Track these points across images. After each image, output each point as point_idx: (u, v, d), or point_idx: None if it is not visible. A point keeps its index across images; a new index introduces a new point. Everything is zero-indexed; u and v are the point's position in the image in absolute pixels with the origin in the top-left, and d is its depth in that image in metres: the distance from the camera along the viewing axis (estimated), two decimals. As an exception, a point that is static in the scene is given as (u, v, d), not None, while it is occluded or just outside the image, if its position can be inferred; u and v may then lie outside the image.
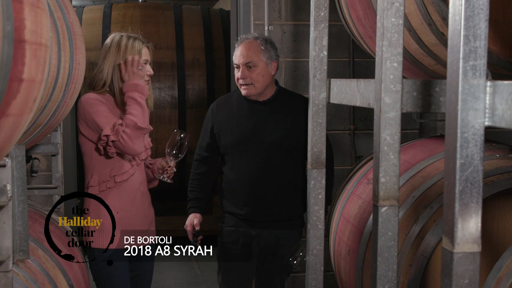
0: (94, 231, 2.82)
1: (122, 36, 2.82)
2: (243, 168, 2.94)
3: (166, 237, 3.12)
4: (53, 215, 3.00)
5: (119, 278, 2.83)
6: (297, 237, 3.10)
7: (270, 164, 2.92)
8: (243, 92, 2.95)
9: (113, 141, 2.66)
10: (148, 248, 2.97)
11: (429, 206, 2.36)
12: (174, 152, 2.81)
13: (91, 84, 2.82)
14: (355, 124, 4.19)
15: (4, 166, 1.88)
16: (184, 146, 2.82)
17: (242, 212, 2.98)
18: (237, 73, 2.95)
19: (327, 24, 2.43)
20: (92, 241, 2.82)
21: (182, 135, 2.80)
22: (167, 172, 2.84)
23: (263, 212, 2.97)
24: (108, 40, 2.83)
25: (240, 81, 2.94)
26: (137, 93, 2.71)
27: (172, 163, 2.82)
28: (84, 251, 3.07)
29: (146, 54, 2.83)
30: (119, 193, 2.83)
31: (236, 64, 2.97)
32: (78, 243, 3.06)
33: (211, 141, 3.03)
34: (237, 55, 2.96)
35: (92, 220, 2.83)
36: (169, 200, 3.87)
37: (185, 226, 2.98)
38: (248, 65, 2.91)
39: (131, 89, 2.71)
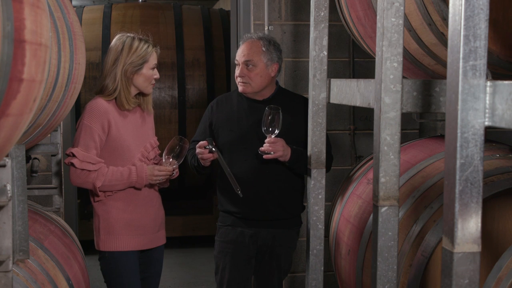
0: (104, 233, 2.82)
1: (133, 38, 2.80)
2: (241, 166, 2.93)
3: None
4: (54, 215, 3.01)
5: (129, 280, 2.83)
6: (295, 236, 3.10)
7: (268, 163, 2.92)
8: (240, 88, 2.97)
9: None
10: (158, 250, 2.97)
11: (429, 206, 2.37)
12: (171, 157, 2.81)
13: (101, 89, 2.81)
14: (355, 124, 4.19)
15: (4, 166, 1.87)
16: (183, 151, 2.81)
17: (239, 210, 2.98)
18: (237, 71, 2.97)
19: (327, 24, 2.44)
20: (102, 243, 2.82)
21: (180, 142, 2.80)
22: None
23: (260, 210, 2.97)
24: (117, 42, 2.80)
25: (238, 79, 2.96)
26: (142, 179, 2.78)
27: (170, 168, 2.81)
28: (92, 253, 3.07)
29: (155, 58, 2.84)
30: (130, 195, 2.83)
31: (236, 61, 2.99)
32: (78, 243, 3.06)
33: (209, 137, 3.03)
34: (239, 53, 2.98)
35: (100, 222, 2.83)
36: (169, 200, 3.87)
37: (197, 152, 2.86)
38: (247, 64, 2.93)
39: (146, 177, 2.78)
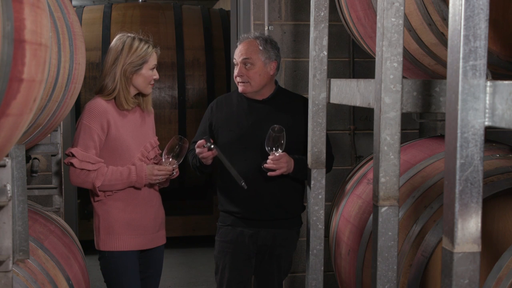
0: (104, 233, 2.82)
1: (134, 38, 2.80)
2: (241, 166, 2.94)
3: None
4: (54, 215, 3.00)
5: (129, 279, 2.83)
6: (295, 236, 3.10)
7: None
8: (240, 88, 2.98)
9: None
10: (158, 250, 2.97)
11: (429, 206, 2.37)
12: (171, 157, 2.81)
13: (101, 88, 2.81)
14: (355, 124, 4.18)
15: (4, 166, 1.87)
16: (183, 151, 2.82)
17: (239, 210, 2.98)
18: (235, 71, 2.98)
19: (327, 24, 2.43)
20: (102, 243, 2.82)
21: (180, 142, 2.80)
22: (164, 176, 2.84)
23: (260, 210, 2.97)
24: (118, 42, 2.80)
25: (238, 79, 2.97)
26: (141, 179, 2.77)
27: (170, 167, 2.81)
28: (92, 253, 3.06)
29: (155, 59, 2.84)
30: (130, 195, 2.82)
31: (235, 61, 3.00)
32: (78, 243, 3.06)
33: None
34: (236, 53, 3.00)
35: (100, 222, 2.83)
36: (169, 200, 3.87)
37: (197, 152, 2.86)
38: (245, 63, 2.94)
39: (146, 177, 2.77)
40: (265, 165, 2.81)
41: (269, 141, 2.78)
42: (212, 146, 2.83)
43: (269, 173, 2.82)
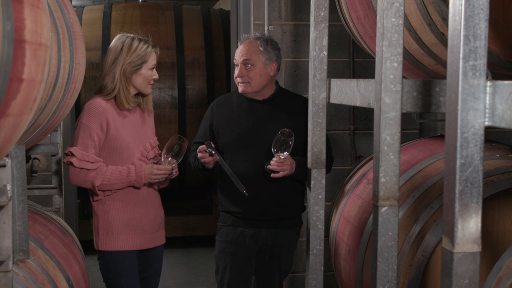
0: (103, 232, 2.82)
1: (133, 38, 2.81)
2: (242, 166, 2.94)
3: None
4: (54, 215, 3.00)
5: (128, 279, 2.83)
6: (295, 236, 3.10)
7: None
8: (240, 89, 2.99)
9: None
10: (157, 249, 2.97)
11: (429, 206, 2.37)
12: (170, 156, 2.81)
13: (100, 88, 2.81)
14: (355, 124, 4.18)
15: (4, 166, 1.88)
16: (182, 150, 2.82)
17: (240, 210, 2.99)
18: (236, 71, 2.98)
19: (327, 24, 2.43)
20: (101, 243, 2.82)
21: (179, 141, 2.80)
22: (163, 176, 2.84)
23: (260, 210, 2.97)
24: (117, 42, 2.80)
25: (238, 79, 2.97)
26: (141, 178, 2.78)
27: (169, 167, 2.81)
28: (92, 253, 3.06)
29: (155, 59, 2.84)
30: (129, 195, 2.82)
31: (235, 62, 3.00)
32: (78, 243, 3.06)
33: (210, 138, 3.04)
34: (237, 53, 3.00)
35: (99, 221, 2.83)
36: (169, 200, 3.87)
37: (199, 157, 2.88)
38: (245, 63, 2.94)
39: (145, 176, 2.78)
40: (269, 166, 2.83)
41: (276, 143, 2.80)
42: (213, 152, 2.84)
43: (272, 175, 2.84)
